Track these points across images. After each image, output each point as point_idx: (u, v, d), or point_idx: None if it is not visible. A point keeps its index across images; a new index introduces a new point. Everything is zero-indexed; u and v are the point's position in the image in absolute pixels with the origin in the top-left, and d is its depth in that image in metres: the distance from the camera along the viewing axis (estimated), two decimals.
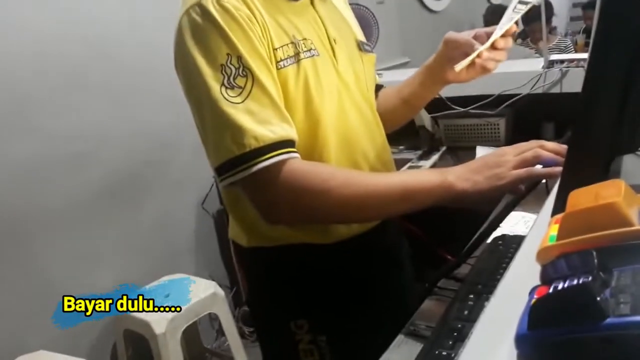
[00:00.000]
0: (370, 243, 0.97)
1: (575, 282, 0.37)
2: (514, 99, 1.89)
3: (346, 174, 0.82)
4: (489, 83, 1.90)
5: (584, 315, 0.34)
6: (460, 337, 0.70)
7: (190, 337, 2.17)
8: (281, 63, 0.82)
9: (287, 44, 0.83)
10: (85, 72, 1.92)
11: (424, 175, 0.81)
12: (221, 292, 2.01)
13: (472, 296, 0.79)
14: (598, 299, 0.35)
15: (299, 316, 0.97)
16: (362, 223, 0.94)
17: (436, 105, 2.06)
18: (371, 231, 0.97)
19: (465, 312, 0.76)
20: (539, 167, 0.77)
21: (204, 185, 2.39)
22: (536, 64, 1.94)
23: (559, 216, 0.50)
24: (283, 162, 0.76)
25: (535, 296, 0.40)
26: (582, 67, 1.78)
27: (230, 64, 0.75)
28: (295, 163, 0.77)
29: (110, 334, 2.00)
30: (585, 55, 1.88)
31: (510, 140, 2.05)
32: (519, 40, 4.39)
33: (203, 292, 1.95)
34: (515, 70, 1.94)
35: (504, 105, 1.94)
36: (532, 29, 4.00)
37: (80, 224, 1.94)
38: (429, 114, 2.05)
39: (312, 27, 0.90)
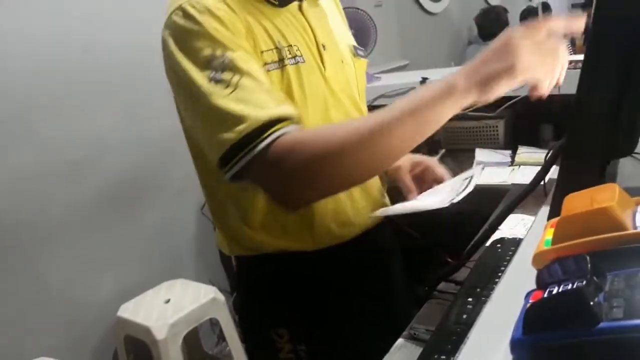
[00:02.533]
0: (351, 251, 0.96)
1: (569, 286, 0.38)
2: (512, 100, 1.89)
3: (345, 124, 0.80)
4: None
5: (577, 320, 0.34)
6: (459, 341, 0.70)
7: (191, 342, 2.17)
8: (266, 67, 0.82)
9: (271, 49, 0.83)
10: (85, 79, 1.92)
11: (428, 88, 0.71)
12: (221, 297, 2.01)
13: (470, 299, 0.79)
14: (591, 303, 0.35)
15: (279, 325, 0.96)
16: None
17: None
18: (352, 240, 0.96)
19: (464, 316, 0.76)
20: None
21: None
22: None
23: (554, 220, 0.51)
24: (283, 136, 0.73)
25: (531, 301, 0.41)
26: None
27: (215, 59, 0.75)
28: (295, 135, 0.74)
29: (111, 340, 2.00)
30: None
31: (510, 143, 2.06)
32: None
33: (203, 297, 1.95)
34: None
35: (502, 107, 1.94)
36: None
37: (80, 231, 1.94)
38: None
39: (299, 34, 0.89)
